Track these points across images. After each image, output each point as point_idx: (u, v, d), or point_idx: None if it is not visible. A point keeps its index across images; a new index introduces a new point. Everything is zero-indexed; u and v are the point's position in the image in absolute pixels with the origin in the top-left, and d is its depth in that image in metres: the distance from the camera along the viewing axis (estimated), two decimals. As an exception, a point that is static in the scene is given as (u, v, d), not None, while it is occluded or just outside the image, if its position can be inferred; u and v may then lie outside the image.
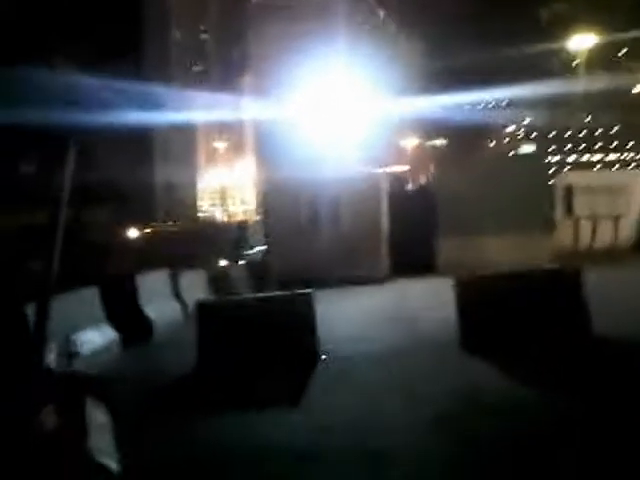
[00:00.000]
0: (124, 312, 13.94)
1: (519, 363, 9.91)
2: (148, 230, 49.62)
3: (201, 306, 11.24)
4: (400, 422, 7.92)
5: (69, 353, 7.11)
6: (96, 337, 12.42)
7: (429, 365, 10.45)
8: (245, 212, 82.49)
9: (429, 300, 16.71)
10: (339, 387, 9.54)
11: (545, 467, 6.51)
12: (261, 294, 15.02)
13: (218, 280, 20.58)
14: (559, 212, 24.62)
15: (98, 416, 7.55)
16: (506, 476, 6.45)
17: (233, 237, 33.91)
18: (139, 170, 69.35)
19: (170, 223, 55.69)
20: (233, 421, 8.46)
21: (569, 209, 24.86)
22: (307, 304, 11.04)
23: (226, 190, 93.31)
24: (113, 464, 6.31)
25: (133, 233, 45.91)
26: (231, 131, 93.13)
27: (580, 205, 24.78)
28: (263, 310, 10.94)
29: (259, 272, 22.98)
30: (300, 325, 10.88)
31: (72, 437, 5.86)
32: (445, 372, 9.95)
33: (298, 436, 7.69)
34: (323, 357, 10.99)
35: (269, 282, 21.42)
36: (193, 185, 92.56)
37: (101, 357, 12.07)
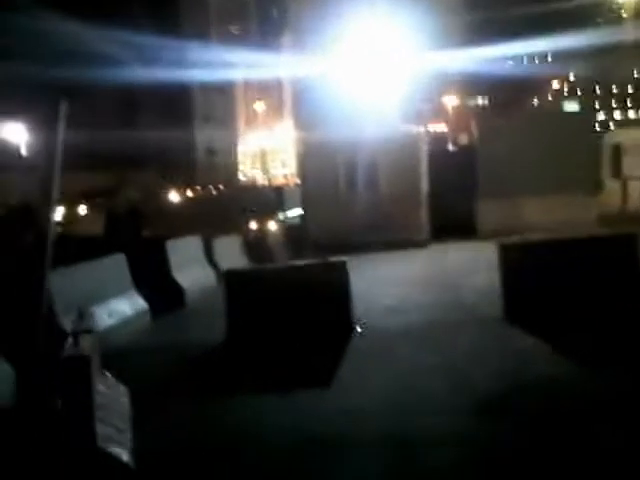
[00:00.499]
0: (154, 279, 13.47)
1: (569, 337, 9.23)
2: (186, 194, 49.36)
3: (229, 275, 10.69)
4: (440, 406, 7.31)
5: (83, 327, 6.60)
6: (124, 306, 11.97)
7: (472, 340, 9.79)
8: (285, 175, 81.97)
9: (471, 266, 16.03)
10: (374, 364, 8.95)
11: (595, 446, 5.92)
12: (292, 262, 14.41)
13: (254, 245, 20.10)
14: (606, 172, 23.68)
15: (113, 400, 7.15)
16: (556, 458, 5.82)
17: (270, 201, 33.37)
18: (180, 133, 69.11)
19: (209, 187, 55.35)
20: (261, 399, 7.94)
21: (617, 169, 23.89)
22: (341, 272, 10.42)
23: (266, 153, 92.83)
24: (124, 453, 5.87)
25: (171, 197, 45.67)
26: (270, 92, 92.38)
27: (629, 165, 23.79)
28: (294, 279, 10.34)
29: (296, 237, 22.46)
30: (334, 295, 10.28)
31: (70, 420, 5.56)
32: (489, 348, 9.30)
33: (328, 418, 7.14)
34: (358, 330, 10.41)
35: (306, 247, 20.89)
36: (233, 148, 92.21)
37: (129, 327, 11.64)
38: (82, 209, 40.24)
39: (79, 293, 10.54)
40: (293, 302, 10.15)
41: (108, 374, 7.23)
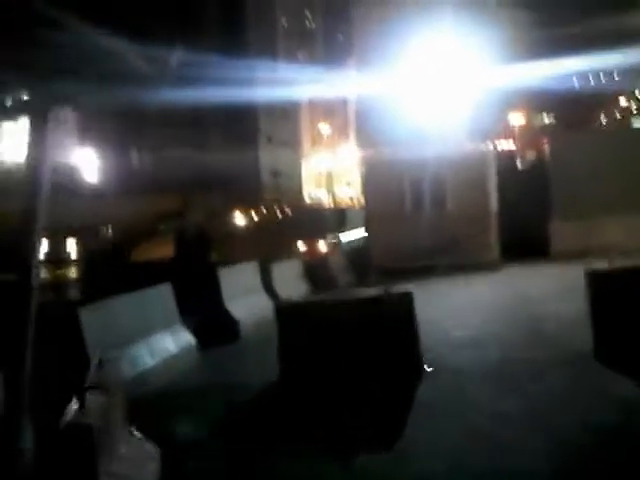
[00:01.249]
0: (204, 311, 12.49)
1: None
2: (250, 216, 48.68)
3: (282, 309, 9.59)
4: (527, 472, 6.05)
5: (100, 379, 5.63)
6: (168, 343, 11.00)
7: (560, 382, 8.47)
8: (350, 196, 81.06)
9: (549, 292, 14.65)
10: (447, 415, 7.71)
11: None
12: (354, 290, 13.24)
13: (315, 270, 19.06)
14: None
15: (137, 467, 6.10)
16: None
17: (332, 223, 32.34)
18: (244, 155, 68.92)
19: (273, 208, 54.67)
20: (318, 466, 6.75)
21: None
22: (406, 305, 9.22)
23: (331, 173, 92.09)
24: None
25: (236, 219, 45.05)
26: (335, 113, 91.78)
27: None
28: (354, 314, 9.17)
29: (359, 260, 21.33)
30: (399, 331, 9.07)
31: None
32: (581, 394, 7.97)
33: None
34: (427, 369, 9.18)
35: (369, 271, 19.75)
36: (298, 169, 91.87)
37: (172, 367, 10.64)
38: (148, 233, 39.81)
39: (116, 330, 9.61)
40: (352, 340, 8.98)
41: (135, 432, 6.20)
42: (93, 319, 9.28)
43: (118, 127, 50.93)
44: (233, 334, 12.86)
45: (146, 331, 10.52)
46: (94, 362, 6.31)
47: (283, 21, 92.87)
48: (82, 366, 8.67)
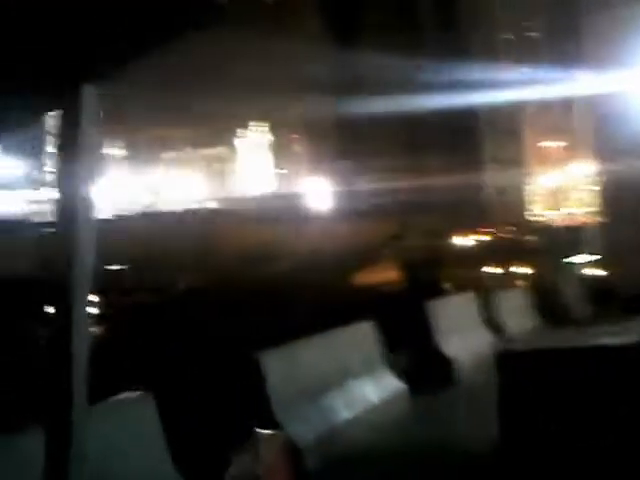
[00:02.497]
0: (412, 350, 10.74)
1: None
2: (474, 238, 46.40)
3: (503, 357, 7.57)
4: None
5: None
6: (369, 390, 9.32)
7: None
8: (584, 214, 75.84)
9: None
10: None
11: None
12: (593, 329, 10.79)
13: (545, 300, 16.70)
14: None
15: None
16: None
17: (564, 245, 29.36)
18: (466, 173, 66.73)
19: (497, 231, 51.97)
20: None
21: None
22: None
23: (561, 190, 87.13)
24: None
25: (458, 242, 43.02)
26: (562, 128, 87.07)
27: None
28: (599, 366, 6.97)
29: (597, 288, 18.61)
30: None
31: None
32: None
33: None
34: None
35: (611, 301, 17.02)
36: (524, 188, 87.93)
37: (374, 420, 8.93)
38: (369, 258, 38.78)
39: (304, 376, 8.10)
40: (596, 401, 6.80)
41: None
42: (277, 364, 7.86)
43: (340, 152, 50.83)
44: (446, 379, 10.93)
45: (341, 376, 8.92)
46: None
47: (504, 31, 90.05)
48: (259, 417, 7.33)
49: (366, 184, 48.87)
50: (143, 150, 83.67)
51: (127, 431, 5.61)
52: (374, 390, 9.36)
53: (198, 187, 77.01)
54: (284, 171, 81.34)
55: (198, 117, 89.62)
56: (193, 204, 63.08)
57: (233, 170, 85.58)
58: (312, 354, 8.60)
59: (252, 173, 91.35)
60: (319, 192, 51.86)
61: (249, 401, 7.71)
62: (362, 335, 9.79)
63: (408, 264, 27.34)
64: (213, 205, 60.58)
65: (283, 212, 43.51)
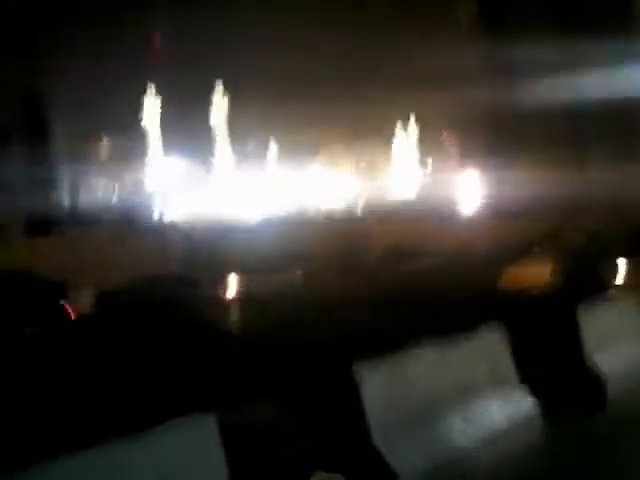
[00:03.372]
0: (554, 365, 9.02)
1: None
2: (630, 239, 42.59)
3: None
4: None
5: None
6: (495, 411, 7.73)
7: None
8: None
9: None
10: None
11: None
12: None
13: None
14: None
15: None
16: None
17: None
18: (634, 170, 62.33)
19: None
20: None
21: None
22: None
23: None
24: None
25: (612, 244, 39.54)
26: None
27: None
28: None
29: None
30: None
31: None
32: None
33: None
34: None
35: None
36: None
37: (503, 446, 7.35)
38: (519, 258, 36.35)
39: (413, 396, 6.69)
40: None
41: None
42: (380, 378, 6.52)
43: (492, 146, 48.53)
44: (596, 401, 9.07)
45: (460, 394, 7.41)
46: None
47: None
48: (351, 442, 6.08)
49: (519, 179, 46.42)
50: (297, 150, 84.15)
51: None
52: (501, 412, 7.75)
53: (350, 185, 76.48)
54: (434, 167, 79.34)
55: (350, 115, 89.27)
56: (344, 202, 62.50)
57: (384, 167, 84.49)
58: (425, 366, 7.15)
59: (402, 170, 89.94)
60: (470, 189, 49.84)
61: (341, 421, 6.42)
62: (491, 344, 8.20)
63: (562, 265, 25.02)
64: (364, 203, 59.84)
65: (433, 210, 41.95)
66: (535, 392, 8.35)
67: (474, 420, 7.30)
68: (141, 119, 58.66)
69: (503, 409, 7.79)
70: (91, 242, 31.36)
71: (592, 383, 9.33)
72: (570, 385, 8.97)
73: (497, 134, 45.56)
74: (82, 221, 38.94)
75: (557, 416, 8.29)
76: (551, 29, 43.26)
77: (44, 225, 32.57)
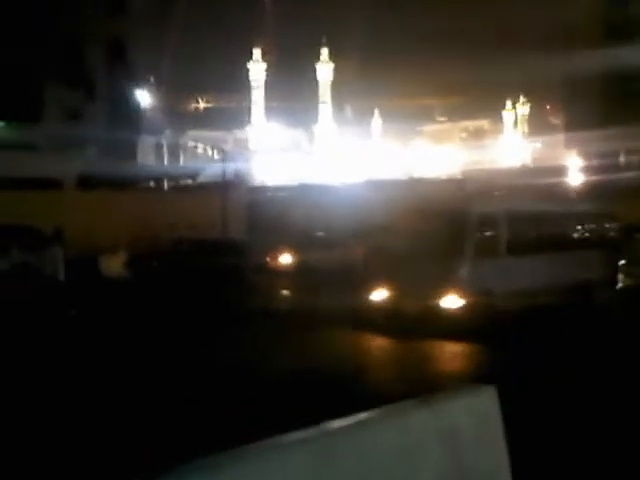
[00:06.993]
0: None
1: None
2: None
3: None
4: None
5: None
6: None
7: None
8: None
9: None
10: None
11: None
12: None
13: None
14: None
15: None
16: None
17: None
18: None
19: None
20: None
21: None
22: None
23: None
24: None
25: None
26: None
27: None
28: None
29: None
30: None
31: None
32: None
33: None
34: None
35: None
36: None
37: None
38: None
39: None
40: None
41: None
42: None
43: (601, 121, 46.58)
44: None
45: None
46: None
47: None
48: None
49: (627, 154, 44.52)
50: (403, 119, 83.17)
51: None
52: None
53: (454, 158, 75.22)
54: (540, 143, 76.96)
55: (457, 88, 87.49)
56: (448, 174, 61.56)
57: (490, 142, 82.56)
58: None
59: (507, 144, 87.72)
60: (577, 164, 48.21)
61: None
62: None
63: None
64: (466, 173, 58.75)
65: (534, 186, 40.76)
66: None
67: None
68: (242, 83, 58.65)
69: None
70: (187, 200, 31.99)
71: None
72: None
73: (606, 108, 43.70)
74: (178, 179, 39.69)
75: None
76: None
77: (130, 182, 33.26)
